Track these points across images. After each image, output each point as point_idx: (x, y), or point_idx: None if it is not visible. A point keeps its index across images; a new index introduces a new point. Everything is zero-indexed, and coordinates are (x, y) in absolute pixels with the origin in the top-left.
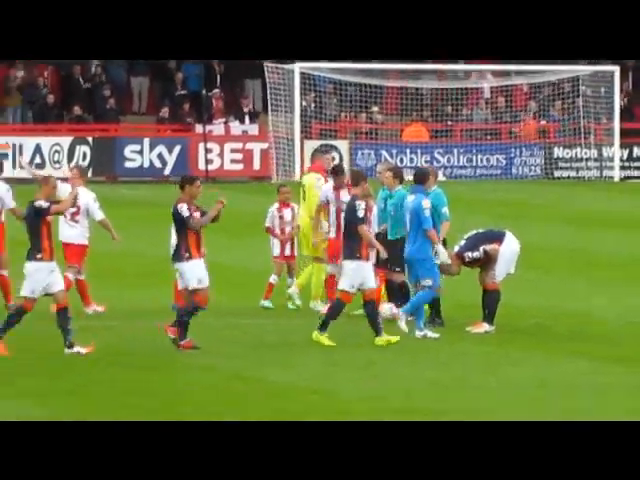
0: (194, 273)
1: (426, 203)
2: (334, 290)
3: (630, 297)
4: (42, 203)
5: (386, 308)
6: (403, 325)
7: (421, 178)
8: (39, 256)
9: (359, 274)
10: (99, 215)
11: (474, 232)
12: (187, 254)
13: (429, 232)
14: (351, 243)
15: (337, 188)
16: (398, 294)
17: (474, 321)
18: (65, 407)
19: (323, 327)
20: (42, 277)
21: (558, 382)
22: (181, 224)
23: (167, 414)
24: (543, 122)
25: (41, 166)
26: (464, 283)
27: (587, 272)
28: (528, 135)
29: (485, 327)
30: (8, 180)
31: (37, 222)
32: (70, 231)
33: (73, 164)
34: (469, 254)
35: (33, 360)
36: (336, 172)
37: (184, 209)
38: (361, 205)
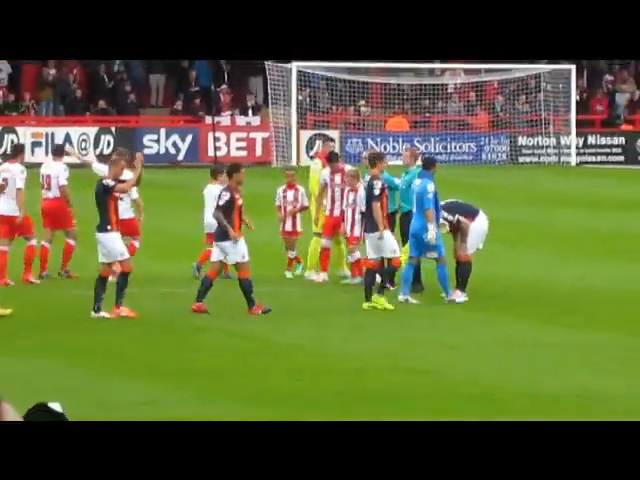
0: (240, 249)
1: (430, 187)
2: (327, 262)
3: (585, 266)
4: (109, 182)
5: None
6: (461, 299)
7: (428, 165)
8: (109, 227)
9: (381, 244)
10: (134, 194)
11: (455, 200)
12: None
13: (427, 212)
14: (371, 218)
15: (332, 172)
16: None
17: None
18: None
19: (368, 297)
20: (113, 245)
21: (518, 341)
22: (227, 207)
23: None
24: (507, 114)
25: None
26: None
27: (548, 245)
28: (480, 126)
29: (459, 295)
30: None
31: (105, 198)
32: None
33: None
34: (444, 214)
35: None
36: (329, 159)
37: (228, 196)
38: (378, 184)
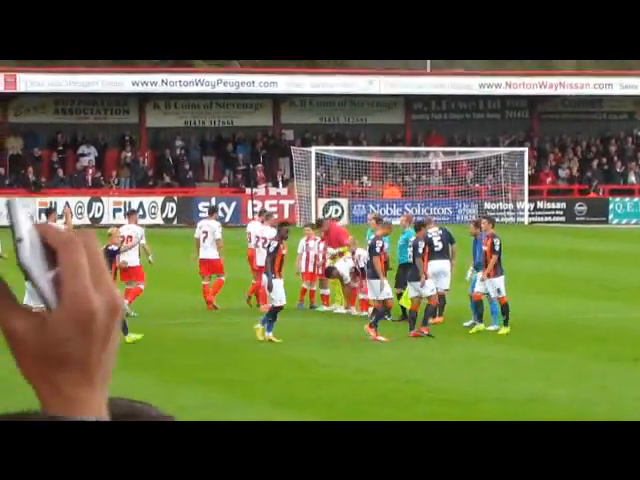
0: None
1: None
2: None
3: (540, 300)
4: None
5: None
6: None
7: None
8: None
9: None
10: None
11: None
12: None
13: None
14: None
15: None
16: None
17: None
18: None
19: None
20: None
21: (487, 358)
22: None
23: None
24: (475, 185)
25: (142, 216)
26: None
27: (511, 286)
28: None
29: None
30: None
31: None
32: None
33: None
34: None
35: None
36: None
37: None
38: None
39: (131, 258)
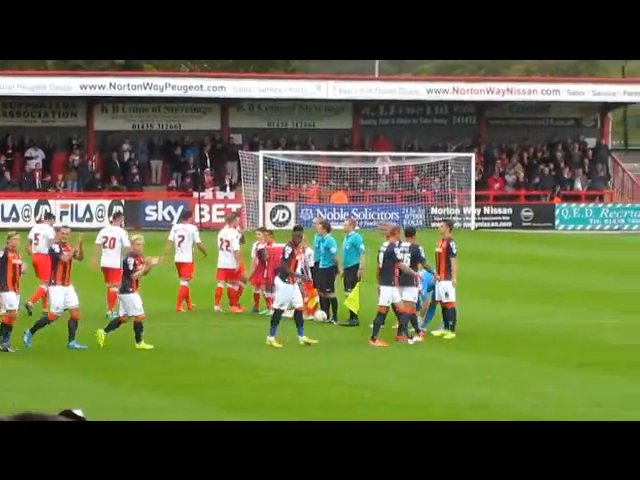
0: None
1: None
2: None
3: (487, 305)
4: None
5: (319, 314)
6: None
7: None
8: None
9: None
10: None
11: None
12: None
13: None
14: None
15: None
16: (327, 305)
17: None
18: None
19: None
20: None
21: (435, 362)
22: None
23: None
24: (422, 191)
25: (89, 220)
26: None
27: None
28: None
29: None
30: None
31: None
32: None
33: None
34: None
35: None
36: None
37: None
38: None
39: (113, 260)
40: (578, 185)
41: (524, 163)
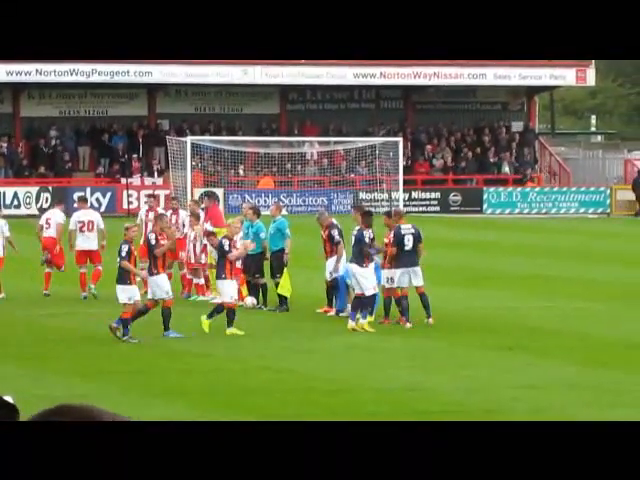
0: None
1: (369, 234)
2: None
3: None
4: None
5: (248, 300)
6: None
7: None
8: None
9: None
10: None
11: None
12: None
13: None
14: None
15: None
16: (255, 291)
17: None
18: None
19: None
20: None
21: (363, 347)
22: None
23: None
24: (350, 176)
25: (17, 207)
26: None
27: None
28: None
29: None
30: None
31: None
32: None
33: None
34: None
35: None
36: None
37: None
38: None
39: (93, 242)
40: (506, 169)
41: (452, 147)
